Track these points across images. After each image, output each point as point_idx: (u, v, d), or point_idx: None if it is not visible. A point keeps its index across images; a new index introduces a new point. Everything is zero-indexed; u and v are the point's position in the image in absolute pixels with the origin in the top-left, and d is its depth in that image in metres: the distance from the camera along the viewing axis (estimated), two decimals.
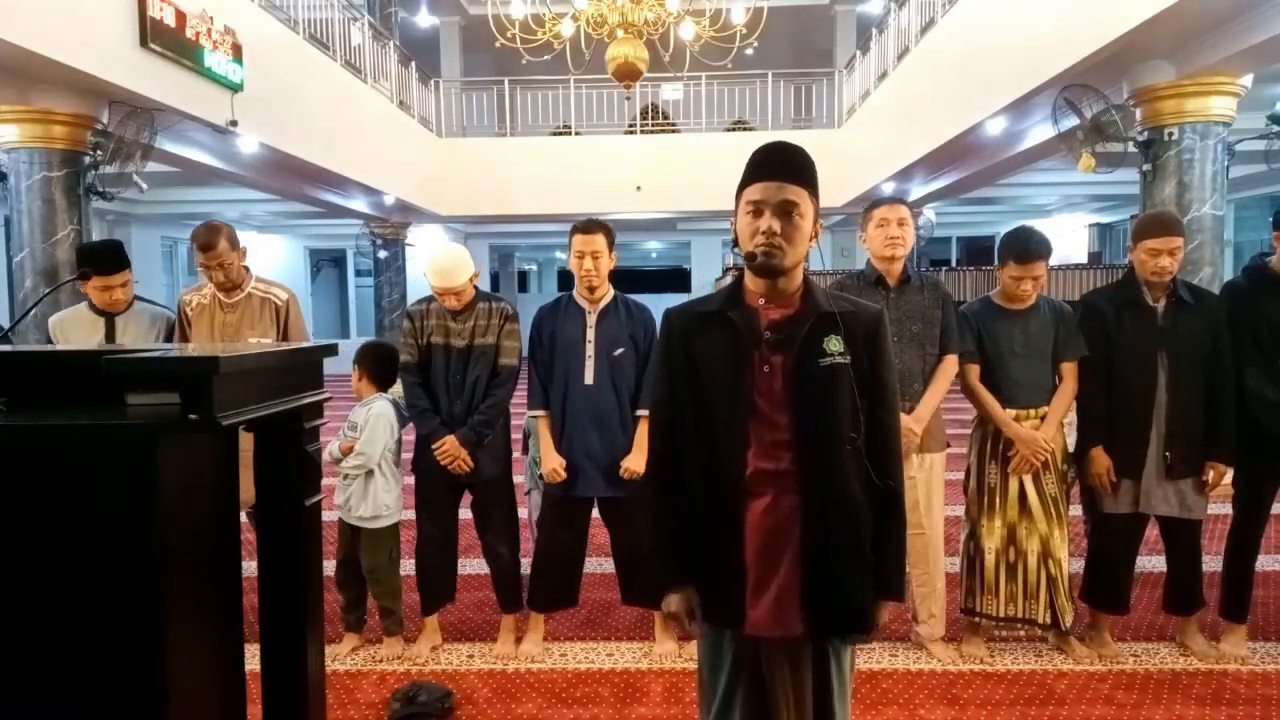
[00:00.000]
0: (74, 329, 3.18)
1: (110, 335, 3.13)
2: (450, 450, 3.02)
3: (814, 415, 1.61)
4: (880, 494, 1.67)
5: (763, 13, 6.84)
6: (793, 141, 1.68)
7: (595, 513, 3.22)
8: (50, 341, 3.25)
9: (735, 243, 1.68)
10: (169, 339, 3.22)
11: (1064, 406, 3.01)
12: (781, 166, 1.62)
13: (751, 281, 1.66)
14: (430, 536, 3.16)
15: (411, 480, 3.23)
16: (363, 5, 11.23)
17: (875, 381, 1.65)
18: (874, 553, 1.68)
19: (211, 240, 3.07)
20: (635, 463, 2.98)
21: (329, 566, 3.31)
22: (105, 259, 3.10)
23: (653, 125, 13.37)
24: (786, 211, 1.59)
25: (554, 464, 3.04)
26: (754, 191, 1.61)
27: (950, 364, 3.01)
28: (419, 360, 3.13)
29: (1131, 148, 5.70)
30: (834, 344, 1.61)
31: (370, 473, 3.13)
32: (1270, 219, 3.04)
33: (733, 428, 1.63)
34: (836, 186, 11.77)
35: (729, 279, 1.92)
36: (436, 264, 3.04)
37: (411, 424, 3.20)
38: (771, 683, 1.69)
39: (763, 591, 1.64)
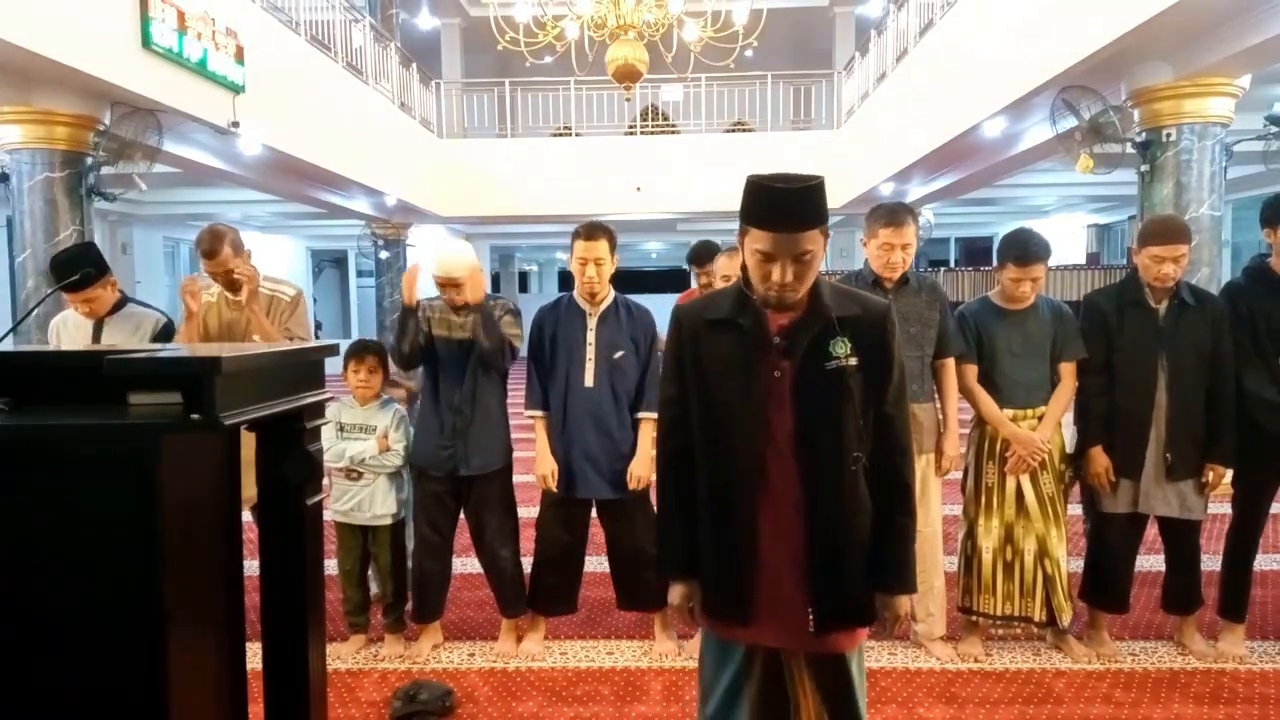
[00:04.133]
0: (68, 329, 3.21)
1: (96, 337, 3.14)
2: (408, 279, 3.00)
3: (820, 418, 1.62)
4: (887, 490, 1.67)
5: (762, 14, 6.84)
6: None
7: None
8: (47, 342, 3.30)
9: (745, 277, 1.64)
10: (162, 340, 3.20)
11: (1062, 407, 3.01)
12: (795, 218, 1.53)
13: None
14: (428, 542, 3.15)
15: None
16: (364, 7, 11.24)
17: (882, 380, 1.66)
18: (880, 548, 1.67)
19: (215, 248, 3.06)
20: (642, 468, 3.00)
21: (329, 566, 3.32)
22: (67, 276, 2.94)
23: (653, 126, 13.38)
24: (800, 259, 1.55)
25: (547, 469, 3.05)
26: (765, 242, 1.54)
27: (951, 368, 3.03)
28: (424, 346, 3.09)
29: (1129, 149, 5.71)
30: (839, 347, 1.60)
31: (394, 472, 3.18)
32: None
33: (748, 432, 1.63)
34: (835, 187, 11.73)
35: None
36: (439, 253, 3.03)
37: (407, 428, 3.23)
38: (793, 685, 1.70)
39: (772, 598, 1.65)
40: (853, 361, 1.60)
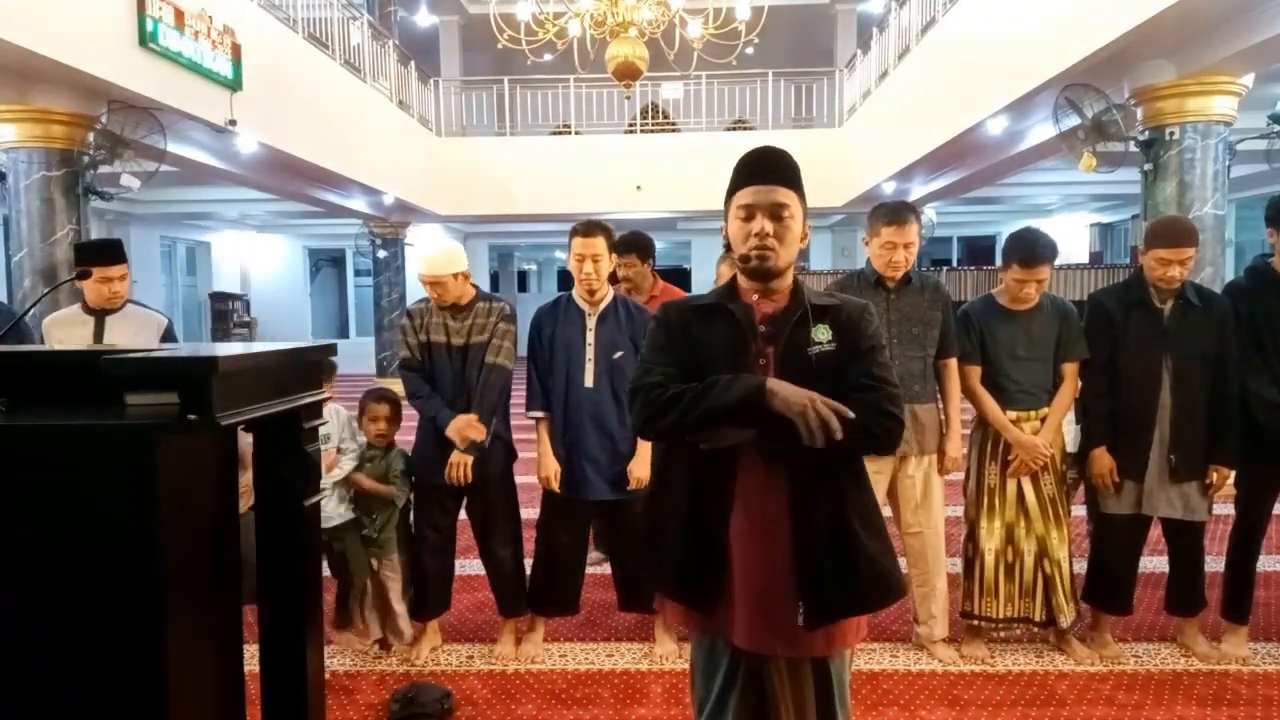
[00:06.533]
0: (62, 329, 3.16)
1: (99, 335, 3.11)
2: (458, 427, 2.95)
3: None
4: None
5: (763, 11, 6.83)
6: (788, 143, 1.71)
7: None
8: (44, 343, 3.24)
9: (728, 247, 1.74)
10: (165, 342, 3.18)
11: (1063, 408, 3.00)
12: (770, 170, 1.68)
13: (745, 281, 1.73)
14: (429, 542, 3.13)
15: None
16: (362, 4, 11.22)
17: (866, 354, 1.67)
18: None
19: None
20: (642, 469, 2.98)
21: (326, 566, 3.29)
22: (105, 250, 3.16)
23: (653, 125, 13.37)
24: (777, 214, 1.65)
25: (550, 470, 3.04)
26: (744, 196, 1.67)
27: (954, 368, 3.01)
28: (420, 359, 3.12)
29: (1133, 147, 5.69)
30: (821, 333, 1.67)
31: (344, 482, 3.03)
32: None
33: None
34: (837, 186, 11.77)
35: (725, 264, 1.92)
36: (425, 253, 3.02)
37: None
38: (773, 692, 1.69)
39: (755, 594, 1.63)
40: (833, 347, 1.67)
